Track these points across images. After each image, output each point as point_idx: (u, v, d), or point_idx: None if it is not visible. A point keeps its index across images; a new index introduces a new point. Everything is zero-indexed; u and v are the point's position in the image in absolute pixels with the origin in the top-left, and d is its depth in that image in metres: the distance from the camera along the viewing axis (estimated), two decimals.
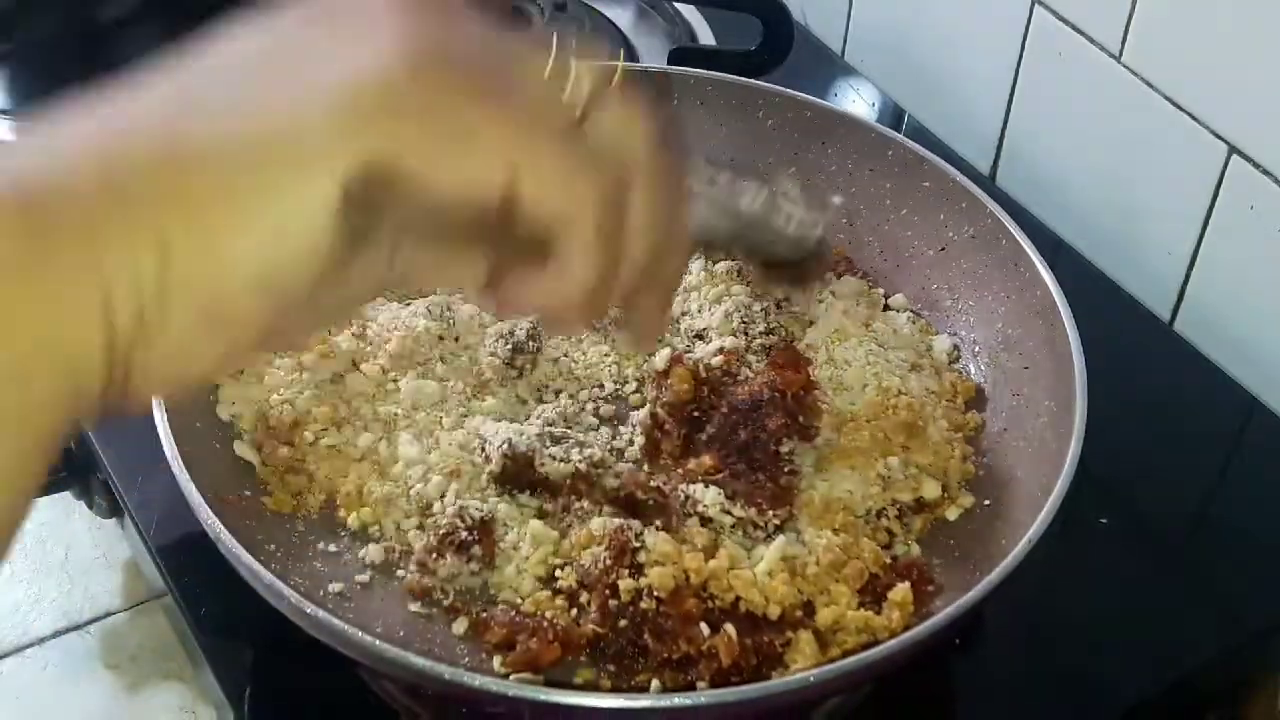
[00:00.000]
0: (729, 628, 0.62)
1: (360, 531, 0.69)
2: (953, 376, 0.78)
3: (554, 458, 0.68)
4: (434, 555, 0.66)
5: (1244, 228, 0.88)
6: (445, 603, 0.66)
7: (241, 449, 0.70)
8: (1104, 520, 0.79)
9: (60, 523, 0.88)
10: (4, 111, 1.10)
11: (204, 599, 0.72)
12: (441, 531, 0.66)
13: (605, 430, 0.73)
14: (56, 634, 0.77)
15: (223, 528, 0.61)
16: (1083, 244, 0.98)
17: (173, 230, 0.34)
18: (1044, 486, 0.65)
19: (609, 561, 0.64)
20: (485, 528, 0.67)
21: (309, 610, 0.59)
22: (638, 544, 0.65)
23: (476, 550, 0.66)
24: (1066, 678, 0.73)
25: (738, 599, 0.64)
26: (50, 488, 0.83)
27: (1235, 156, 0.87)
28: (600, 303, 0.42)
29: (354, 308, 0.40)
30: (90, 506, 0.84)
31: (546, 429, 0.70)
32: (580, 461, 0.68)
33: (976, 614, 0.62)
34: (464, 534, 0.66)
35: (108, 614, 0.78)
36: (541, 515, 0.68)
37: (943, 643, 0.62)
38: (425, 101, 0.36)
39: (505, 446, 0.68)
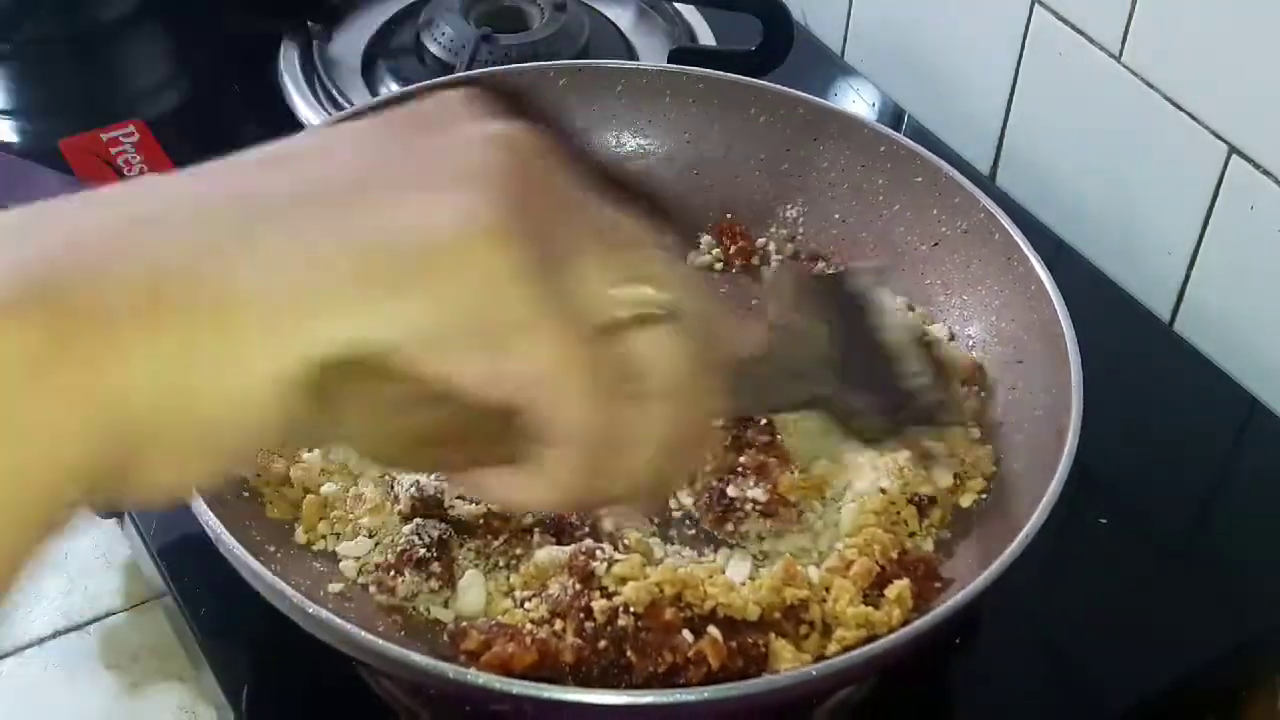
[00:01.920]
0: (714, 631, 0.62)
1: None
2: (951, 354, 0.79)
3: (463, 498, 0.67)
4: (392, 573, 0.65)
5: (1244, 228, 0.88)
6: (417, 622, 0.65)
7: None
8: (1104, 520, 0.79)
9: None
10: (4, 112, 1.10)
11: (204, 599, 0.72)
12: (399, 549, 0.66)
13: None
14: (56, 634, 0.77)
15: (223, 528, 0.61)
16: (1083, 244, 0.98)
17: (189, 353, 0.31)
18: (1042, 480, 0.65)
19: (578, 587, 0.64)
20: (444, 545, 0.66)
21: (310, 610, 0.58)
22: (600, 563, 0.64)
23: (436, 568, 0.65)
24: (1066, 677, 0.73)
25: (715, 605, 0.63)
26: None
27: (1235, 156, 0.87)
28: (581, 507, 0.39)
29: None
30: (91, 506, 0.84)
31: None
32: (492, 501, 0.66)
33: (977, 610, 0.62)
34: (421, 551, 0.65)
35: (108, 614, 0.78)
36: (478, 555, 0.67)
37: (948, 635, 0.62)
38: (467, 287, 0.33)
39: (413, 489, 0.67)
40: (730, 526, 0.69)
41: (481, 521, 0.67)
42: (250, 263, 0.32)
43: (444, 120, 0.36)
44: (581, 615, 0.63)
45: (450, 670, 0.57)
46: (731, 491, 0.69)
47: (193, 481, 0.34)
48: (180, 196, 0.34)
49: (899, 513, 0.70)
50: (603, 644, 0.62)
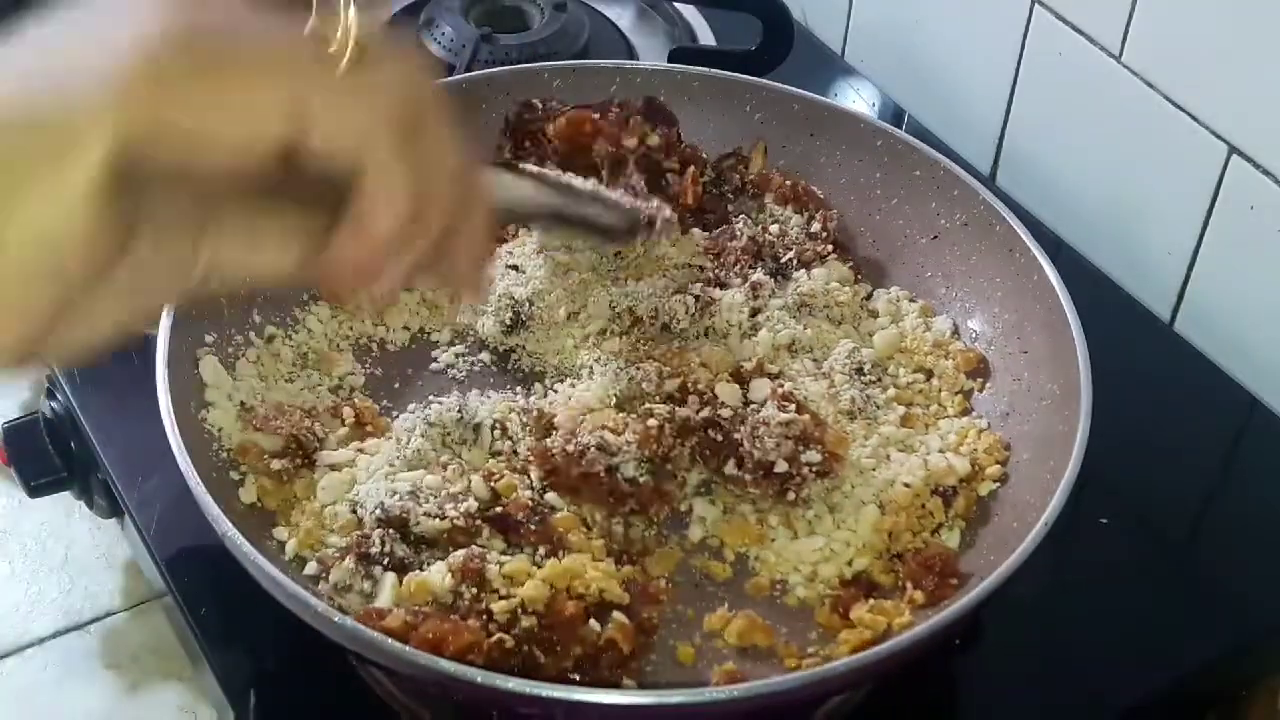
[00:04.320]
0: (619, 616, 0.63)
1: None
2: (956, 347, 0.79)
3: (429, 515, 0.66)
4: (336, 553, 0.65)
5: (1244, 228, 0.88)
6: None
7: (247, 494, 0.69)
8: (1104, 520, 0.79)
9: (60, 523, 0.88)
10: None
11: (204, 599, 0.72)
12: (355, 537, 0.65)
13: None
14: (56, 634, 0.77)
15: (239, 535, 0.60)
16: (1083, 244, 0.98)
17: None
18: (1052, 470, 0.66)
19: (474, 590, 0.63)
20: (399, 562, 0.65)
21: (337, 620, 0.58)
22: (492, 565, 0.64)
23: (376, 571, 0.64)
24: (1066, 677, 0.73)
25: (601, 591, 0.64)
26: (50, 488, 0.83)
27: (1235, 156, 0.87)
28: (411, 246, 0.42)
29: (163, 300, 0.42)
30: (90, 506, 0.84)
31: (424, 485, 0.67)
32: (457, 517, 0.66)
33: (979, 611, 0.62)
34: (374, 549, 0.64)
35: (108, 614, 0.78)
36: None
37: (965, 624, 0.63)
38: (188, 68, 0.37)
39: (379, 511, 0.66)
40: (791, 496, 0.69)
41: (445, 535, 0.66)
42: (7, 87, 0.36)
43: None
44: (485, 618, 0.62)
45: (479, 675, 0.56)
46: (780, 466, 0.69)
47: (30, 332, 0.37)
48: None
49: (924, 505, 0.70)
50: (509, 644, 0.61)
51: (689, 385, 0.72)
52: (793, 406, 0.71)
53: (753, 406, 0.71)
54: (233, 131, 0.37)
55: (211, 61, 0.37)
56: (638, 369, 0.73)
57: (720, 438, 0.70)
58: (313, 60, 0.39)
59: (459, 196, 0.43)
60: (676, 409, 0.71)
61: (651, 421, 0.69)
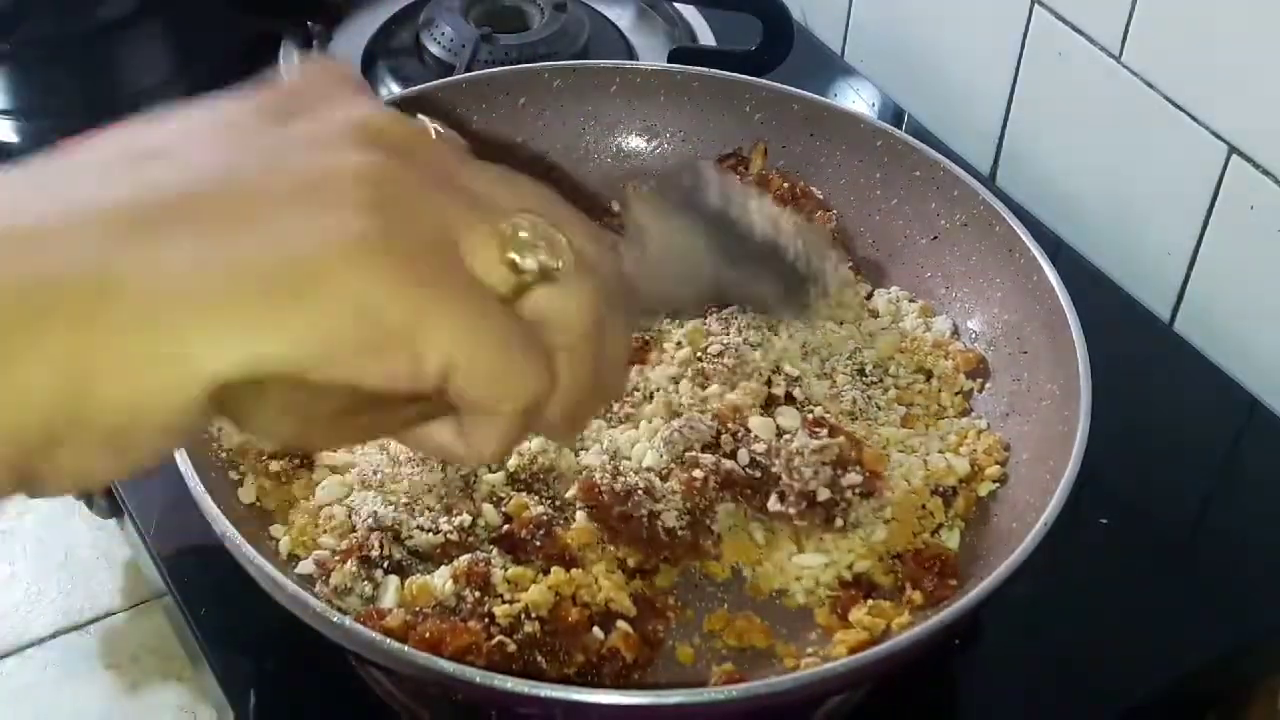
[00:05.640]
0: (623, 625, 0.63)
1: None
2: (955, 347, 0.79)
3: (421, 529, 0.66)
4: (336, 557, 0.65)
5: (1244, 228, 0.88)
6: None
7: (246, 494, 0.69)
8: (1104, 520, 0.79)
9: (60, 523, 0.88)
10: (4, 111, 1.10)
11: (204, 599, 0.72)
12: (356, 540, 0.65)
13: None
14: (56, 634, 0.77)
15: (238, 535, 0.60)
16: (1083, 244, 0.98)
17: (91, 358, 0.32)
18: (1052, 469, 0.66)
19: (477, 594, 0.63)
20: (398, 565, 0.65)
21: (335, 619, 0.58)
22: (496, 569, 0.64)
23: (378, 575, 0.64)
24: (1066, 678, 0.73)
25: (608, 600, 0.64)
26: None
27: (1235, 156, 0.87)
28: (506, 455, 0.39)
29: None
30: (90, 506, 0.84)
31: (420, 497, 0.67)
32: (450, 531, 0.66)
33: (978, 611, 0.62)
34: (374, 552, 0.64)
35: (108, 614, 0.78)
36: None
37: (964, 624, 0.63)
38: (347, 308, 0.33)
39: (370, 519, 0.66)
40: (840, 522, 0.67)
41: (438, 550, 0.65)
42: (144, 274, 0.32)
43: (309, 103, 0.37)
44: (486, 621, 0.62)
45: (478, 675, 0.56)
46: (823, 494, 0.67)
47: (101, 479, 0.34)
48: (69, 199, 0.34)
49: (924, 505, 0.70)
50: (511, 648, 0.61)
51: (724, 427, 0.70)
52: (824, 431, 0.69)
53: (786, 437, 0.69)
54: (378, 374, 0.34)
55: (386, 289, 0.33)
56: (691, 427, 0.70)
57: (759, 474, 0.68)
58: (485, 295, 0.35)
59: (577, 412, 0.40)
60: (721, 460, 0.68)
61: (697, 472, 0.67)
